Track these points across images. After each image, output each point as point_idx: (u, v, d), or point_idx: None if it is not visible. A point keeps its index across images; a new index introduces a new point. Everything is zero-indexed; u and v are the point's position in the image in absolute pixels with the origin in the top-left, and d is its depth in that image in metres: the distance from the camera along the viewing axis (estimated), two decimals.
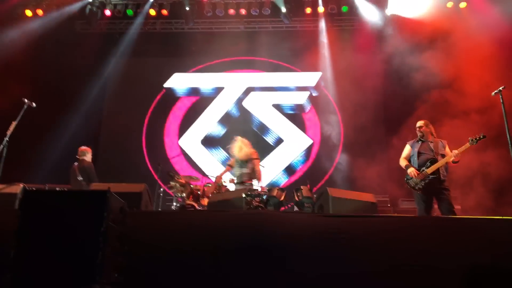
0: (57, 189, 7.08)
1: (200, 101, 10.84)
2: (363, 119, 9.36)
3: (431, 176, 5.31)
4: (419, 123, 5.66)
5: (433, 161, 5.36)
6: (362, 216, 4.32)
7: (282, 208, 5.49)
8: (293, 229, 4.03)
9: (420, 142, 5.61)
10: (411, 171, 5.44)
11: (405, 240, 3.92)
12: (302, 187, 5.43)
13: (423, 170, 5.37)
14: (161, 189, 8.47)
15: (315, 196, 5.61)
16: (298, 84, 10.54)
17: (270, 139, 10.39)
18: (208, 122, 10.57)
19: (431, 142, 5.54)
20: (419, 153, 5.51)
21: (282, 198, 5.39)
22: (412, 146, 5.66)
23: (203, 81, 10.86)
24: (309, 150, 10.17)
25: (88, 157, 6.81)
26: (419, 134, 5.64)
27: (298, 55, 10.20)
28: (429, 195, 5.30)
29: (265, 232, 3.93)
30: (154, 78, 10.70)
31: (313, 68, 10.28)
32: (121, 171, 9.67)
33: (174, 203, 8.01)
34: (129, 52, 10.68)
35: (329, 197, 5.04)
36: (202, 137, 10.54)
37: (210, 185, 8.34)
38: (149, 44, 10.59)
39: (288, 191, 5.77)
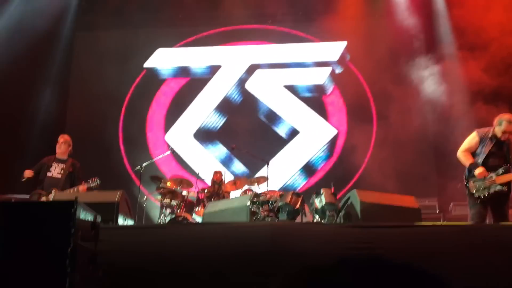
0: (12, 200, 7.17)
1: (191, 84, 10.88)
2: (403, 102, 9.37)
3: (498, 188, 5.20)
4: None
5: (507, 170, 5.23)
6: (403, 226, 4.31)
7: (298, 219, 5.49)
8: (312, 245, 4.03)
9: (494, 141, 5.38)
10: (481, 172, 5.27)
11: (461, 256, 3.89)
12: (323, 190, 5.42)
13: (491, 176, 5.24)
14: (145, 197, 8.54)
15: (340, 202, 5.60)
16: (316, 58, 10.54)
17: (282, 130, 10.40)
18: (202, 111, 10.62)
19: (507, 144, 5.33)
20: (490, 154, 5.34)
21: (298, 205, 5.39)
22: (481, 141, 5.42)
23: (194, 58, 10.89)
24: (332, 143, 10.19)
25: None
26: (501, 132, 5.32)
27: (316, 20, 10.17)
28: (487, 208, 5.25)
29: (276, 250, 3.94)
30: (132, 56, 10.78)
31: (336, 36, 10.29)
32: (92, 175, 9.65)
33: (162, 215, 8.09)
34: (99, 23, 10.74)
35: (358, 202, 5.02)
36: (194, 130, 10.58)
37: (206, 191, 8.44)
38: (125, 12, 10.65)
39: (306, 196, 5.77)
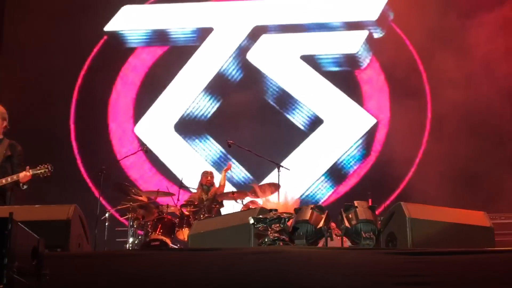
0: None
1: (170, 55, 10.90)
2: (470, 79, 9.34)
3: None
4: None
5: None
6: (469, 252, 4.30)
7: (322, 243, 5.50)
8: (341, 280, 4.04)
9: None
10: None
11: None
12: (357, 203, 5.42)
13: None
14: (106, 214, 8.56)
15: (380, 218, 5.58)
16: (347, 17, 10.53)
17: (299, 119, 10.42)
18: (187, 93, 10.63)
19: None
20: None
21: (322, 223, 5.38)
22: None
23: (175, 17, 10.91)
24: (370, 136, 10.20)
25: None
26: None
27: None
28: None
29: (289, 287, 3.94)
30: (87, 16, 10.76)
31: None
32: (33, 182, 9.68)
33: (131, 239, 8.10)
34: None
35: (407, 219, 5.00)
36: (176, 120, 10.60)
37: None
38: None
39: (332, 212, 5.77)
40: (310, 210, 5.43)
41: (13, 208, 5.73)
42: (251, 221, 5.11)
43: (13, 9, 11.08)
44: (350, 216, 5.36)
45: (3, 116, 6.50)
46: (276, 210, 5.51)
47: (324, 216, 5.43)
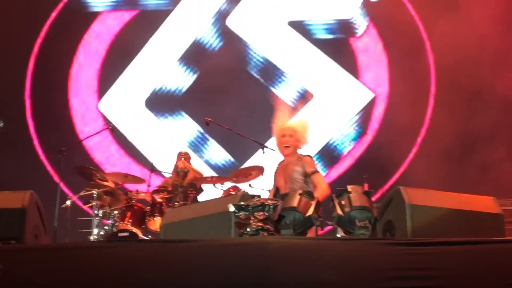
0: None
1: (139, 20, 10.86)
2: (479, 44, 9.39)
3: None
4: None
5: None
6: (476, 241, 4.33)
7: (311, 232, 5.54)
8: (332, 275, 4.06)
9: None
10: None
11: None
12: (351, 188, 5.42)
13: None
14: (68, 201, 8.54)
15: (377, 205, 5.59)
16: None
17: (286, 93, 10.45)
18: (159, 64, 10.59)
19: None
20: None
21: (311, 211, 5.40)
22: None
23: None
24: (366, 113, 10.26)
25: None
26: None
27: None
28: None
29: (274, 282, 3.95)
30: None
31: None
32: None
33: (95, 229, 8.08)
34: None
35: (406, 205, 5.01)
36: (147, 95, 10.59)
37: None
38: None
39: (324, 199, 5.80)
40: (298, 196, 5.44)
41: None
42: (232, 208, 5.09)
43: None
44: (342, 202, 5.34)
45: None
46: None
47: (313, 203, 5.44)
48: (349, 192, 5.36)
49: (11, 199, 5.39)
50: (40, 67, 10.73)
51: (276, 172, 6.66)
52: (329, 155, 10.27)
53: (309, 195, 5.48)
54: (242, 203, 5.18)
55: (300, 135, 6.51)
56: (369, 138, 10.19)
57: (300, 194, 5.44)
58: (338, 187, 5.68)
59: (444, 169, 9.34)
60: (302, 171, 6.36)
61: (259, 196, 5.33)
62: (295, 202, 5.38)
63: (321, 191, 6.20)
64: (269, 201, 5.28)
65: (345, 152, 10.24)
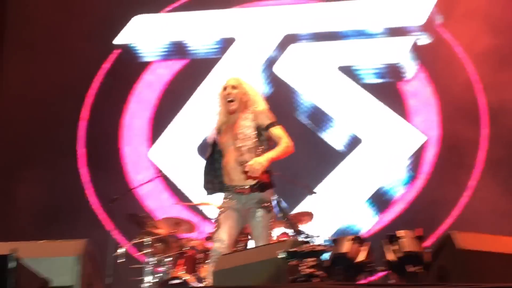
0: None
1: (189, 69, 11.00)
2: None
3: None
4: None
5: None
6: None
7: (362, 279, 5.48)
8: None
9: None
10: None
11: None
12: (403, 234, 5.40)
13: None
14: (121, 249, 8.60)
15: (428, 250, 5.54)
16: (390, 22, 10.56)
17: (335, 138, 10.44)
18: (207, 112, 10.63)
19: None
20: None
21: (364, 257, 5.38)
22: None
23: (194, 27, 11.00)
24: (417, 157, 10.17)
25: None
26: None
27: None
28: None
29: None
30: (94, 28, 10.89)
31: None
32: (37, 213, 10.00)
33: (148, 277, 8.11)
34: None
35: (459, 250, 4.97)
36: (199, 141, 10.63)
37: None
38: None
39: (375, 244, 5.75)
40: (350, 242, 5.42)
41: (16, 244, 5.80)
42: (282, 255, 5.10)
43: (15, 22, 11.31)
44: (393, 248, 5.32)
45: None
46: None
47: (365, 249, 5.41)
48: (401, 237, 5.32)
49: (66, 247, 5.45)
50: (92, 117, 10.90)
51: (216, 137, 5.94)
52: (381, 200, 10.15)
53: (360, 241, 5.45)
54: (293, 249, 5.18)
55: (246, 87, 5.89)
56: (421, 182, 10.05)
57: (351, 240, 5.42)
58: (390, 232, 5.64)
59: (498, 212, 9.21)
60: (254, 125, 5.71)
61: (309, 242, 5.34)
62: (345, 247, 5.36)
63: (284, 146, 5.81)
64: (320, 247, 5.28)
65: (397, 196, 10.11)
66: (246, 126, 5.67)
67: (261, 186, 5.70)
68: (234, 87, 5.80)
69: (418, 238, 5.36)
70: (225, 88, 5.84)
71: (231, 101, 5.77)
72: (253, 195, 5.71)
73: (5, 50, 11.24)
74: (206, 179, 5.89)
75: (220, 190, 5.90)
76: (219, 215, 5.88)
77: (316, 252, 5.16)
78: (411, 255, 5.21)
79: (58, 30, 10.81)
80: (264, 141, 5.74)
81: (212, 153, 5.90)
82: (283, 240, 7.29)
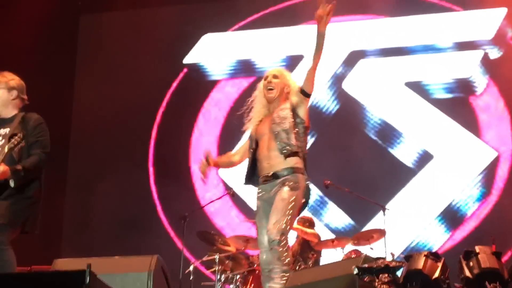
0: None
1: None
2: None
3: None
4: None
5: None
6: None
7: None
8: None
9: None
10: None
11: None
12: (479, 249, 5.30)
13: None
14: (191, 266, 8.64)
15: (507, 267, 5.43)
16: (458, 37, 10.43)
17: (405, 155, 10.33)
18: None
19: None
20: None
21: (438, 273, 5.30)
22: None
23: (261, 46, 11.06)
24: (490, 172, 9.97)
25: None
26: None
27: None
28: None
29: None
30: (164, 47, 11.09)
31: (489, 2, 10.20)
32: (109, 230, 10.20)
33: None
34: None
35: None
36: None
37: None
38: None
39: (448, 261, 5.64)
40: (424, 258, 5.36)
41: (91, 260, 5.88)
42: (356, 271, 5.05)
43: (87, 42, 11.62)
44: (471, 264, 5.26)
45: (10, 86, 5.51)
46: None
47: (440, 265, 5.35)
48: (478, 253, 5.25)
49: (138, 263, 5.49)
50: (162, 135, 11.05)
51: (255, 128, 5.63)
52: (453, 216, 9.97)
53: (435, 256, 5.37)
54: (366, 265, 5.13)
55: (288, 78, 5.62)
56: (494, 199, 9.84)
57: (425, 255, 5.36)
58: (464, 249, 5.55)
59: None
60: (290, 106, 5.37)
61: (383, 258, 5.28)
62: (420, 264, 5.31)
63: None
64: (394, 263, 5.21)
65: (469, 213, 9.91)
66: (284, 108, 5.37)
67: (288, 170, 5.23)
68: (275, 77, 5.55)
69: (495, 254, 5.27)
70: (266, 77, 5.59)
71: (271, 89, 5.50)
72: (278, 179, 5.24)
73: (78, 69, 11.58)
74: (246, 173, 5.61)
75: (256, 182, 5.57)
76: (255, 217, 5.57)
77: (390, 268, 5.10)
78: (489, 272, 5.13)
79: (129, 50, 11.05)
80: (300, 123, 5.33)
81: (253, 145, 5.59)
82: (356, 257, 7.24)
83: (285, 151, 5.23)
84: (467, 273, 5.22)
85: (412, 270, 5.27)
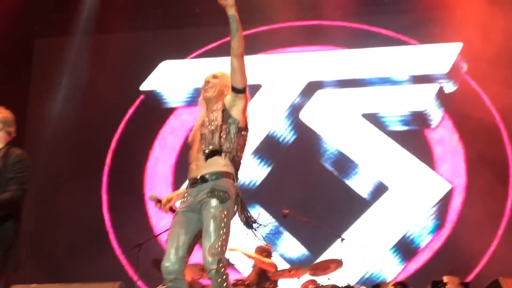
0: None
1: None
2: None
3: None
4: None
5: None
6: None
7: None
8: None
9: None
10: None
11: None
12: (447, 279, 5.33)
13: None
14: None
15: None
16: (414, 70, 10.57)
17: (361, 186, 10.38)
18: None
19: None
20: None
21: None
22: None
23: None
24: (444, 205, 10.06)
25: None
26: None
27: (411, 10, 10.33)
28: None
29: None
30: (121, 74, 10.99)
31: (445, 35, 10.34)
32: (66, 256, 9.97)
33: None
34: (67, 23, 11.09)
35: None
36: None
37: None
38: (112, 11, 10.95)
39: None
40: (392, 287, 5.35)
41: (49, 286, 5.72)
42: None
43: (41, 66, 11.51)
44: None
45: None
46: None
47: None
48: (446, 284, 5.26)
49: None
50: (117, 162, 10.92)
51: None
52: (406, 248, 10.02)
53: (403, 286, 5.36)
54: None
55: (228, 79, 5.00)
56: (447, 231, 9.93)
57: (393, 285, 5.35)
58: (417, 282, 5.55)
59: None
60: (221, 107, 4.90)
61: (352, 287, 5.25)
62: None
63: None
64: None
65: (423, 245, 9.98)
66: (214, 110, 4.93)
67: (216, 174, 4.75)
68: (215, 77, 5.14)
69: (463, 284, 5.29)
70: (206, 81, 5.14)
71: (208, 88, 5.07)
72: (206, 184, 4.73)
73: (32, 93, 11.48)
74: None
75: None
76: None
77: None
78: None
79: (84, 75, 10.92)
80: (233, 123, 4.83)
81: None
82: (324, 286, 7.15)
83: (207, 150, 4.80)
84: None
85: None
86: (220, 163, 4.76)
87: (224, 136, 4.80)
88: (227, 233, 4.67)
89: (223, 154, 4.77)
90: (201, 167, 4.81)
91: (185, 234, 4.75)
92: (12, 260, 5.10)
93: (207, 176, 4.72)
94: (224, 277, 4.55)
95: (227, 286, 4.56)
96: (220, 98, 4.97)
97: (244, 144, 4.96)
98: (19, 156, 5.28)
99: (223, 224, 4.60)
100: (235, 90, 4.84)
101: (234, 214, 4.83)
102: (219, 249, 4.56)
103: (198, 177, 4.76)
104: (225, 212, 4.63)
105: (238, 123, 4.83)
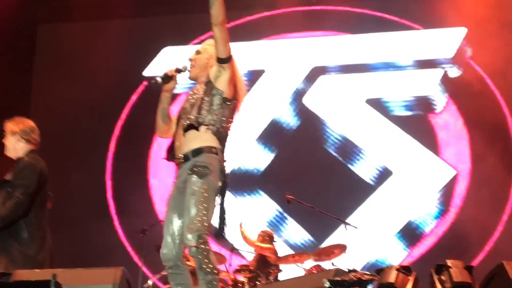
0: None
1: None
2: None
3: None
4: None
5: None
6: None
7: None
8: None
9: None
10: None
11: None
12: (450, 263, 5.24)
13: None
14: (149, 281, 8.52)
15: (479, 282, 5.36)
16: (419, 55, 10.53)
17: (365, 171, 10.35)
18: (237, 144, 10.57)
19: None
20: None
21: (409, 287, 5.21)
22: None
23: None
24: (448, 190, 10.03)
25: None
26: None
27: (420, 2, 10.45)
28: None
29: None
30: (125, 59, 11.00)
31: (450, 20, 10.25)
32: (70, 243, 9.83)
33: None
34: (70, 10, 11.06)
35: (510, 280, 4.84)
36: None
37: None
38: None
39: (419, 274, 5.56)
40: (395, 272, 5.27)
41: (57, 271, 5.69)
42: (327, 284, 4.94)
43: (44, 53, 11.51)
44: (443, 278, 5.18)
45: (13, 130, 5.84)
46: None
47: (411, 279, 5.27)
48: (449, 267, 5.18)
49: (102, 275, 5.35)
50: (121, 148, 10.94)
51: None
52: (411, 234, 10.01)
53: (407, 270, 5.28)
54: (338, 278, 5.01)
55: (213, 49, 4.84)
56: (451, 216, 9.91)
57: (396, 269, 5.27)
58: (435, 264, 5.49)
59: None
60: (206, 78, 4.82)
61: (355, 271, 5.17)
62: (392, 277, 5.21)
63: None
64: (366, 276, 5.11)
65: (427, 230, 9.96)
66: (198, 83, 4.87)
67: (197, 150, 4.67)
68: (198, 52, 4.98)
69: (467, 268, 5.21)
70: (189, 58, 4.99)
71: (191, 67, 4.93)
72: (188, 162, 4.67)
73: (36, 79, 11.49)
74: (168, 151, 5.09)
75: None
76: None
77: (362, 282, 5.00)
78: (462, 286, 5.07)
79: (88, 61, 10.86)
80: (217, 95, 4.73)
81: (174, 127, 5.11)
82: (327, 270, 7.13)
83: (185, 124, 4.75)
84: (439, 287, 5.14)
85: (383, 284, 5.17)
86: (201, 138, 4.70)
87: (206, 108, 4.72)
88: (208, 209, 4.56)
89: (204, 128, 4.70)
90: (182, 144, 4.78)
91: (178, 218, 4.74)
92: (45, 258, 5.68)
93: (188, 154, 4.68)
94: (205, 253, 4.44)
95: (209, 263, 4.44)
96: (205, 71, 4.88)
97: (231, 115, 4.90)
98: (23, 163, 5.64)
99: (202, 199, 4.51)
100: (219, 60, 4.74)
101: (222, 189, 4.73)
102: (199, 225, 4.45)
103: (182, 156, 4.72)
104: (205, 187, 4.53)
105: (222, 93, 4.75)
